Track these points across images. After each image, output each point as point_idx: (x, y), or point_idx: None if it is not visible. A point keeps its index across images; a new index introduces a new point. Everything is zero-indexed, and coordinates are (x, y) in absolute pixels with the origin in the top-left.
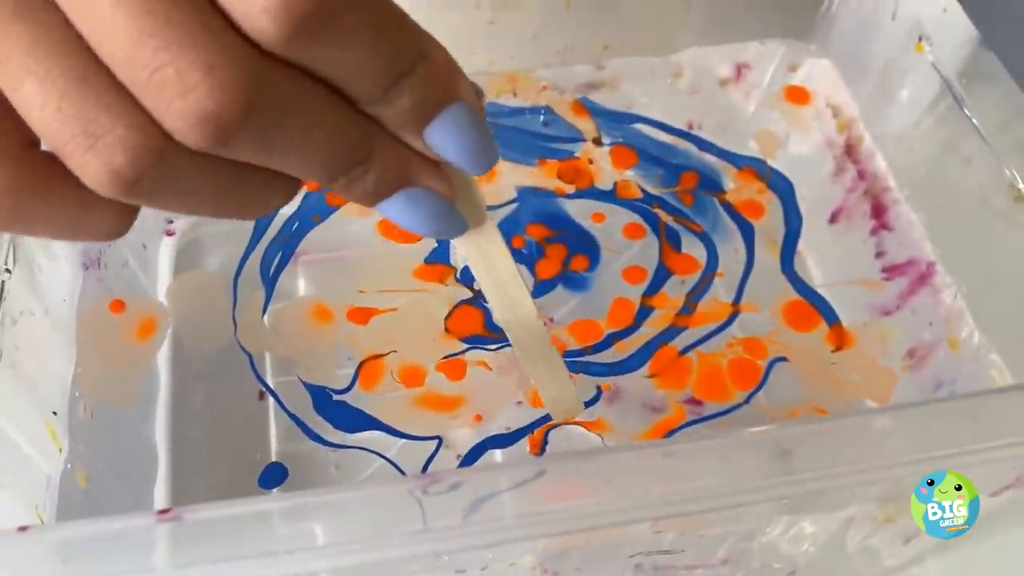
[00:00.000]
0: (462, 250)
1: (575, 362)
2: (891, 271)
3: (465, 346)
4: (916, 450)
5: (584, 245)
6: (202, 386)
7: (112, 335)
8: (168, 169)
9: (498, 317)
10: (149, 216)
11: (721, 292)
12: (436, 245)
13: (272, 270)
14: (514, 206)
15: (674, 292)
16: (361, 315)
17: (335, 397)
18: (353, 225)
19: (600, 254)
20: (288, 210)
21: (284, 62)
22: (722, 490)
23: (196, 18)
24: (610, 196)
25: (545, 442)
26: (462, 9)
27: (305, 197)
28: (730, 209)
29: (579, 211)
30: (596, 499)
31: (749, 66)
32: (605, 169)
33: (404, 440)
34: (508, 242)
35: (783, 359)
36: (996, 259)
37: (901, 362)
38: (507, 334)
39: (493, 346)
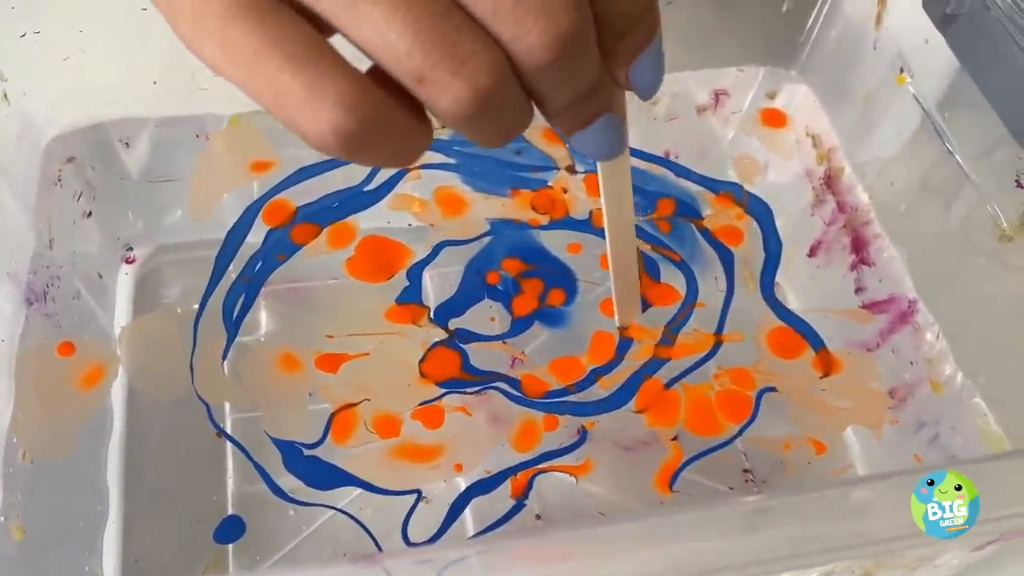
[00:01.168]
0: (601, 170)
1: (559, 403)
2: (871, 308)
3: (442, 391)
4: (896, 524)
5: (560, 278)
6: (158, 425)
7: (55, 379)
8: (505, 89)
9: (608, 230)
10: (106, 243)
11: (702, 322)
12: (408, 284)
13: (235, 314)
14: (488, 239)
15: (652, 323)
16: (330, 362)
17: (306, 452)
18: (320, 264)
19: (577, 287)
20: (251, 248)
21: None
22: (692, 568)
23: None
24: (586, 225)
25: (529, 486)
26: None
27: (268, 234)
28: (708, 236)
29: (554, 242)
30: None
31: (727, 93)
32: (580, 198)
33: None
34: (483, 278)
35: (772, 389)
36: (980, 299)
37: None
38: (608, 244)
39: (471, 389)
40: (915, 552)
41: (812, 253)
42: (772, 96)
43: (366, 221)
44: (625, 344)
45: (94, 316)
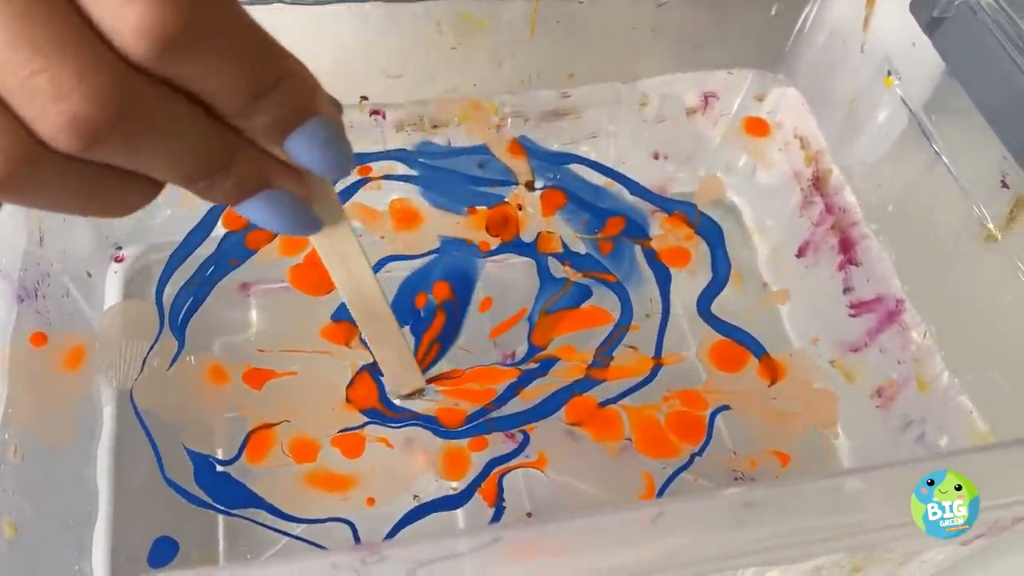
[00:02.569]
0: (315, 244)
1: (483, 423)
2: (859, 307)
3: (365, 419)
4: (884, 517)
5: (452, 326)
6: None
7: (45, 373)
8: (38, 171)
9: (350, 305)
10: (95, 241)
11: (641, 344)
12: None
13: (181, 317)
14: (431, 258)
15: (583, 346)
16: (257, 377)
17: (219, 468)
18: (266, 271)
19: (458, 335)
20: (206, 251)
21: (153, 75)
22: (686, 559)
23: (69, 28)
24: (531, 249)
25: (500, 488)
26: (423, 34)
27: (225, 238)
28: (652, 256)
29: (492, 274)
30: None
31: (716, 95)
32: (533, 216)
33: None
34: (412, 300)
35: (725, 407)
36: (966, 298)
37: (869, 401)
38: (357, 321)
39: (396, 424)
40: (903, 546)
41: (800, 254)
42: (761, 99)
43: None
44: (548, 363)
45: (83, 314)
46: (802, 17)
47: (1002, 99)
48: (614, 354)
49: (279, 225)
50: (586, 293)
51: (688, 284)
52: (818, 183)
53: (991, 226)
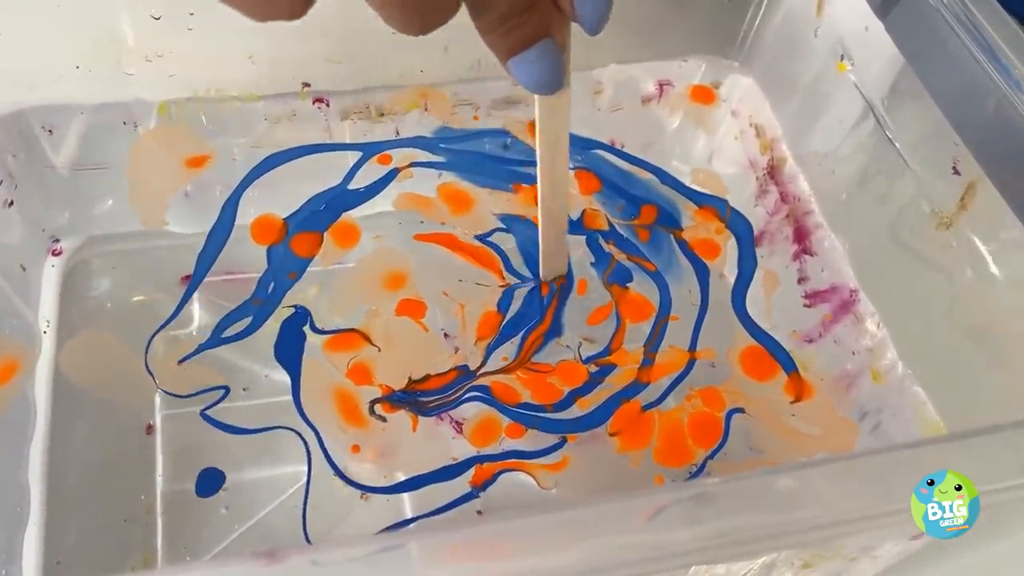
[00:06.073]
0: (539, 106)
1: (531, 415)
2: (813, 297)
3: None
4: (835, 511)
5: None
6: (83, 422)
7: None
8: None
9: (540, 170)
10: (29, 233)
11: (676, 337)
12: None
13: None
14: (507, 235)
15: (632, 343)
16: (410, 309)
17: (305, 327)
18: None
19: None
20: (255, 270)
21: None
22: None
23: None
24: (578, 226)
25: (492, 480)
26: (362, 16)
27: (271, 252)
28: (685, 247)
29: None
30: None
31: (671, 84)
32: (573, 195)
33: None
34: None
35: (740, 410)
36: (919, 287)
37: None
38: (539, 189)
39: (434, 414)
40: (857, 541)
41: (756, 243)
42: (716, 86)
43: (370, 222)
44: (606, 369)
45: (16, 310)
46: (755, 1)
47: (953, 83)
48: (658, 350)
49: (544, 78)
50: (628, 275)
51: (715, 279)
52: (773, 171)
53: (942, 213)
